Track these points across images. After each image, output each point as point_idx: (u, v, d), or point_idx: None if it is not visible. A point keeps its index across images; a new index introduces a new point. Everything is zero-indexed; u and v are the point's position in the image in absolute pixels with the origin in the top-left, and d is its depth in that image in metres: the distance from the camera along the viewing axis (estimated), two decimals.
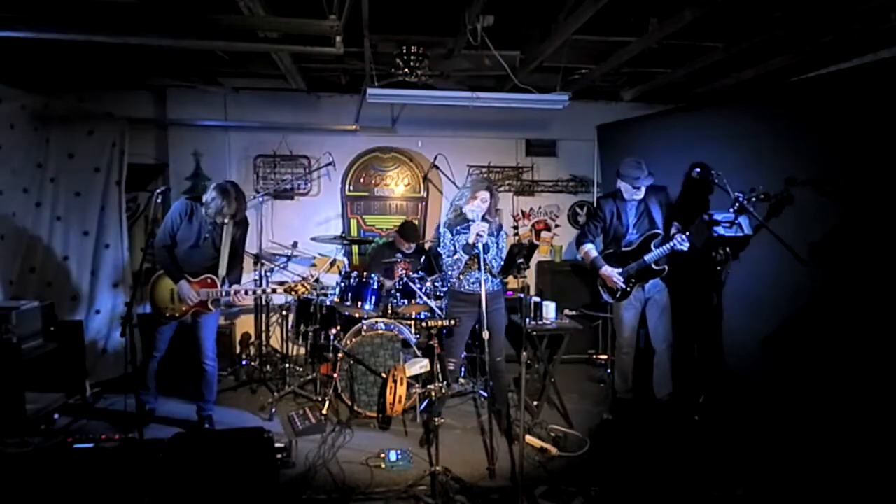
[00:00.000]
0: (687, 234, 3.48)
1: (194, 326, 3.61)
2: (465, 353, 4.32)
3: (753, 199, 3.31)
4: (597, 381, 4.80)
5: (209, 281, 3.50)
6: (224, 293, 3.52)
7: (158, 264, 3.55)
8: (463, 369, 4.50)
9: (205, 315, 3.58)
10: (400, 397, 3.59)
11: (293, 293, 3.66)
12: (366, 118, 5.41)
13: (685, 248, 3.48)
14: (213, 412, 3.77)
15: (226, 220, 3.47)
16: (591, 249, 3.88)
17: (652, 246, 3.62)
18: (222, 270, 3.53)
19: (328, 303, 4.34)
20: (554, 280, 5.37)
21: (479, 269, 3.18)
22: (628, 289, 3.73)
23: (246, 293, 3.63)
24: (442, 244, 3.57)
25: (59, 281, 4.47)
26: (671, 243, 3.50)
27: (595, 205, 4.62)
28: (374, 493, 2.96)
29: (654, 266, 3.63)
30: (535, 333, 3.85)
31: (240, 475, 2.61)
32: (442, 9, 3.42)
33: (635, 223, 3.76)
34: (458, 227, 3.48)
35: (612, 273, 3.72)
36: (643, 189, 3.69)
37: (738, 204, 3.34)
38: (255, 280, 4.82)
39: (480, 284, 3.11)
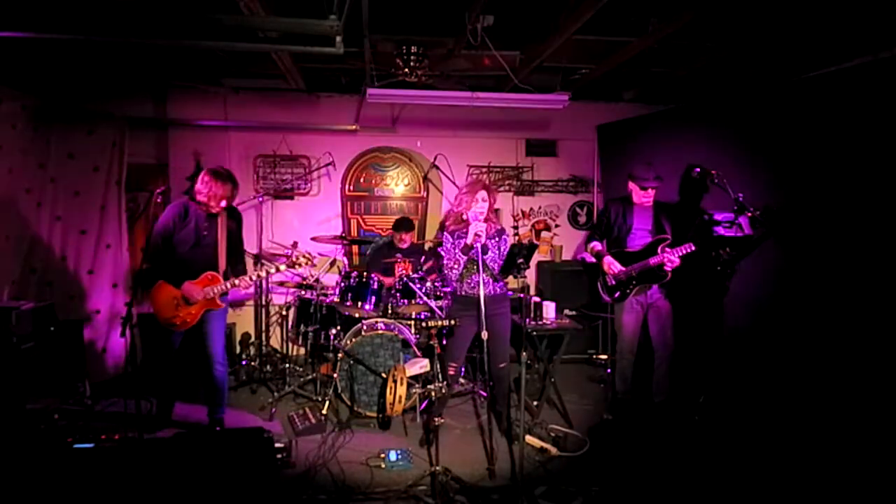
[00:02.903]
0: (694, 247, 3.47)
1: (202, 331, 3.50)
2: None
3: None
4: (597, 381, 4.80)
5: (210, 277, 3.43)
6: (229, 285, 3.42)
7: (158, 273, 3.44)
8: (463, 370, 4.50)
9: (213, 315, 3.49)
10: (400, 397, 3.59)
11: (295, 266, 3.53)
12: (366, 118, 5.42)
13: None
14: (225, 415, 3.70)
15: (222, 205, 3.39)
16: (597, 244, 3.90)
17: (659, 250, 3.61)
18: (222, 265, 3.47)
19: (328, 303, 4.34)
20: (554, 280, 5.37)
21: (479, 271, 3.17)
22: (627, 290, 3.72)
23: (250, 279, 3.51)
24: (444, 249, 3.56)
25: (59, 281, 4.47)
26: (680, 250, 3.49)
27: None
28: (374, 493, 2.96)
29: (658, 271, 3.62)
30: (535, 333, 3.85)
31: (240, 475, 2.61)
32: (442, 9, 3.42)
33: (640, 225, 3.75)
34: (459, 233, 3.47)
35: (613, 260, 3.72)
36: (652, 194, 3.69)
37: (738, 204, 3.33)
38: (256, 280, 4.82)
39: (480, 287, 3.11)
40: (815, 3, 3.15)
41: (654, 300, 3.72)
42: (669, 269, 3.52)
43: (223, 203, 3.40)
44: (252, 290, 3.52)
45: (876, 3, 3.06)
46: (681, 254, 3.50)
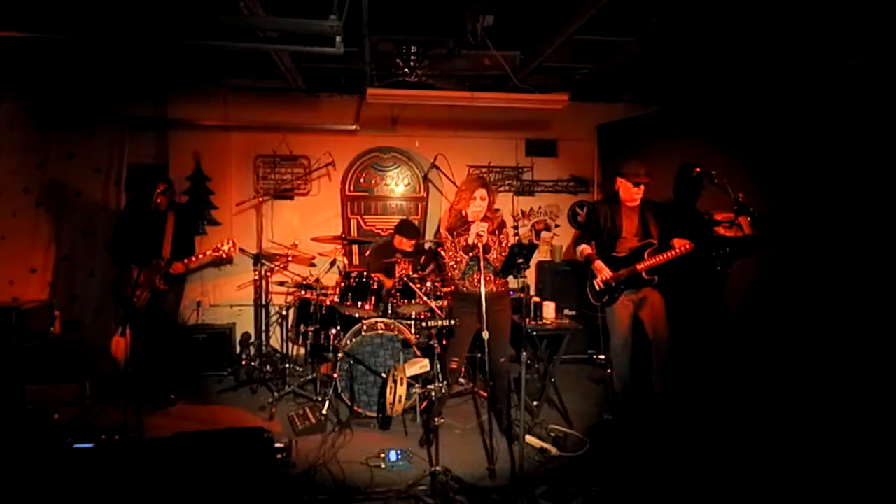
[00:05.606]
0: (687, 247, 3.47)
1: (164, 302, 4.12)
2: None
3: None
4: (597, 381, 4.80)
5: (154, 263, 4.01)
6: (166, 268, 3.99)
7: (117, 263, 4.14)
8: (463, 369, 4.49)
9: (166, 292, 4.11)
10: (400, 397, 3.59)
11: (219, 253, 4.05)
12: (366, 118, 5.41)
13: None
14: None
15: (158, 199, 3.95)
16: (586, 247, 3.92)
17: (645, 255, 3.62)
18: (166, 253, 4.03)
19: (328, 303, 4.34)
20: (554, 280, 5.37)
21: (480, 269, 3.17)
22: (616, 294, 3.74)
23: (183, 263, 4.06)
24: (444, 248, 3.56)
25: (60, 281, 4.47)
26: (668, 254, 3.50)
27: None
28: (374, 493, 2.96)
29: (644, 276, 3.65)
30: (535, 333, 3.85)
31: (240, 475, 2.61)
32: (442, 9, 3.42)
33: (628, 229, 3.77)
34: (459, 230, 3.48)
35: (603, 266, 3.76)
36: (641, 191, 3.69)
37: (738, 204, 3.33)
38: (256, 280, 4.83)
39: (482, 285, 3.11)
40: (816, 3, 3.15)
41: (645, 293, 3.74)
42: (688, 249, 3.52)
43: (160, 199, 3.97)
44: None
45: (877, 3, 3.05)
46: (667, 259, 3.51)
